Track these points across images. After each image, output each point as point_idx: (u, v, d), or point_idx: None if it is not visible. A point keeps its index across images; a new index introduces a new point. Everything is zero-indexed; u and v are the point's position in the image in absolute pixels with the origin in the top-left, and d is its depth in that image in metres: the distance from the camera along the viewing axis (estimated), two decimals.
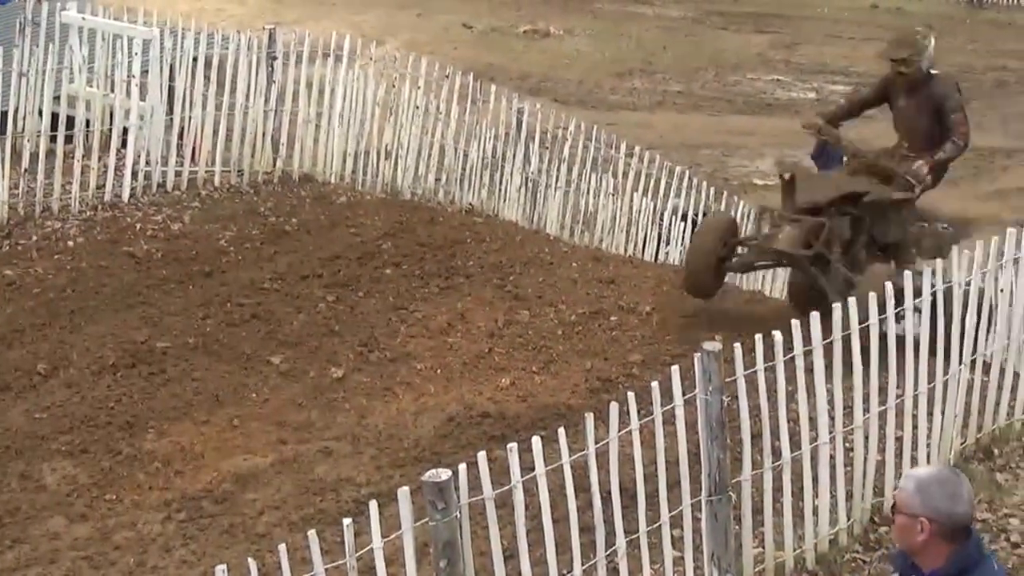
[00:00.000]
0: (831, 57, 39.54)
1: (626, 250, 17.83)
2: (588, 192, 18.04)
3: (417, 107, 16.76)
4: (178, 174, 15.41)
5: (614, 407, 8.36)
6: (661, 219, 18.62)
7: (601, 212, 18.03)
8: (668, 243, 18.46)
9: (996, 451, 10.88)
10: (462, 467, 7.57)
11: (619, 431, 8.35)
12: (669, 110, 34.61)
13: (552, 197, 17.70)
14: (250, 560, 7.21)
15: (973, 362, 10.68)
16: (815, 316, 9.42)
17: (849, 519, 9.66)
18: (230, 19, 32.67)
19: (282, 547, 7.29)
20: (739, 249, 13.20)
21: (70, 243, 14.34)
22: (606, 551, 8.45)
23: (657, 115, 33.44)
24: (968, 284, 10.68)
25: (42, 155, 14.81)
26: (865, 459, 9.82)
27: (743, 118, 34.50)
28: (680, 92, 36.93)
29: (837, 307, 9.58)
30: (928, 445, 10.20)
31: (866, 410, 9.75)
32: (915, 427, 10.09)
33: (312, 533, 7.40)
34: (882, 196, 12.87)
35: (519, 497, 7.93)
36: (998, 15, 43.07)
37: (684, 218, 18.76)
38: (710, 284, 13.03)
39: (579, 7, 45.16)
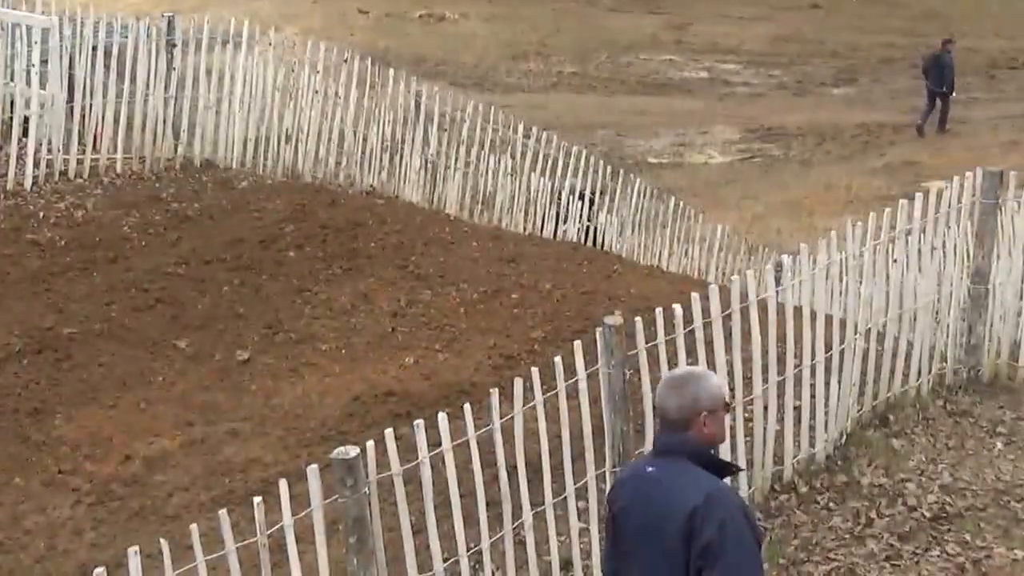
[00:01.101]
0: (722, 37, 39.83)
1: (525, 229, 17.88)
2: (487, 173, 18.09)
3: (316, 92, 16.73)
4: (80, 162, 15.30)
5: (518, 383, 8.38)
6: (559, 198, 18.67)
7: (500, 192, 18.07)
8: (566, 221, 18.52)
9: (891, 417, 10.97)
10: (370, 444, 7.58)
11: (523, 406, 8.38)
12: (564, 91, 34.77)
13: (451, 178, 17.73)
14: (162, 541, 7.18)
15: (868, 331, 10.78)
16: (714, 289, 9.48)
17: (751, 487, 9.72)
18: (128, 7, 32.45)
19: (193, 527, 7.25)
20: None
21: None
22: (513, 524, 8.47)
23: (552, 96, 33.59)
24: (862, 255, 10.78)
25: None
26: (764, 429, 9.89)
27: (637, 98, 34.71)
28: (574, 73, 37.09)
29: (735, 279, 9.64)
30: (825, 413, 10.29)
31: (764, 380, 9.83)
32: (812, 396, 10.18)
33: (223, 513, 7.36)
34: None
35: (426, 473, 7.94)
36: None
37: (581, 197, 18.83)
38: None
39: None
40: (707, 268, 19.41)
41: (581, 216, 18.59)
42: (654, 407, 6.25)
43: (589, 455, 8.66)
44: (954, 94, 32.11)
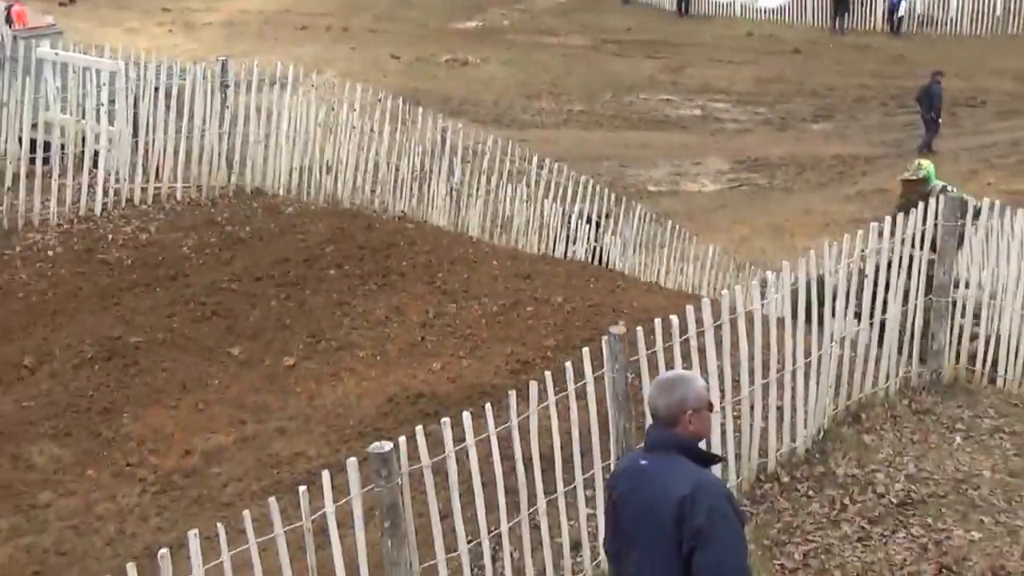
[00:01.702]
0: (713, 79, 39.72)
1: (539, 249, 17.87)
2: (505, 200, 18.08)
3: (353, 128, 16.74)
4: (144, 190, 15.34)
5: (533, 385, 8.43)
6: (569, 222, 18.68)
7: (517, 217, 18.06)
8: (575, 242, 18.52)
9: (863, 415, 10.97)
10: (402, 440, 7.63)
11: (538, 406, 8.41)
12: (573, 127, 34.70)
13: (474, 205, 17.73)
14: (218, 525, 7.23)
15: (843, 339, 10.80)
16: (706, 302, 9.51)
17: (739, 477, 9.75)
18: (186, 53, 32.51)
19: (246, 513, 7.30)
20: None
21: (50, 252, 14.25)
22: (529, 510, 8.51)
23: (563, 132, 33.53)
24: (838, 271, 10.81)
25: (23, 176, 14.71)
26: (751, 425, 9.91)
27: (638, 133, 34.64)
28: (582, 111, 37.02)
29: (725, 294, 9.67)
30: (805, 412, 10.29)
31: (751, 382, 9.85)
32: (793, 396, 10.19)
33: (272, 500, 7.43)
34: None
35: (452, 465, 8.00)
36: (857, 40, 43.41)
37: (588, 221, 18.84)
38: None
39: (494, 38, 45.17)
40: (700, 284, 19.39)
41: (588, 238, 18.60)
42: (649, 406, 6.27)
43: (596, 449, 8.69)
44: (941, 119, 32.19)
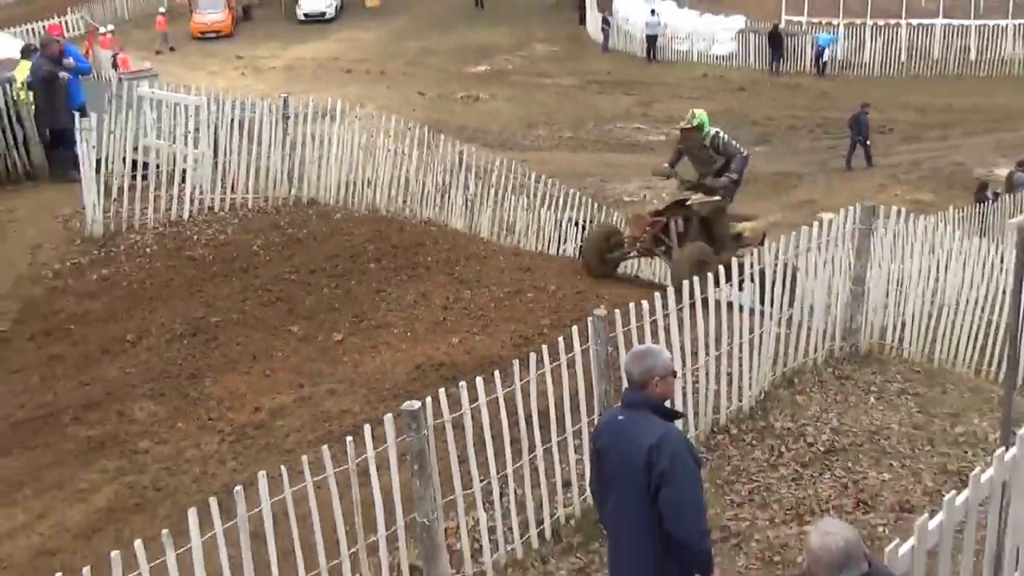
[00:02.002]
0: (675, 111, 39.55)
1: (537, 248, 17.87)
2: (510, 208, 18.07)
3: (389, 150, 16.73)
4: (222, 200, 15.33)
5: (532, 356, 8.45)
6: (560, 226, 18.68)
7: (519, 222, 18.05)
8: (566, 242, 18.51)
9: (796, 380, 10.98)
10: (428, 400, 7.64)
11: (536, 372, 8.43)
12: (563, 150, 34.69)
13: (485, 212, 17.71)
14: (282, 468, 7.23)
15: (779, 320, 10.80)
16: (670, 290, 9.51)
17: (696, 429, 9.76)
18: (255, 91, 32.46)
19: (304, 458, 7.30)
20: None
21: (147, 250, 14.26)
22: (529, 455, 8.52)
23: (555, 154, 33.52)
24: (777, 264, 10.81)
25: (126, 189, 14.71)
26: (706, 389, 9.92)
27: (615, 155, 34.65)
28: (571, 137, 37.04)
29: (686, 283, 9.67)
30: (749, 378, 10.31)
31: (706, 354, 9.84)
32: (740, 366, 10.20)
33: (324, 448, 7.44)
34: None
35: (467, 420, 8.03)
36: (790, 80, 43.39)
37: (576, 225, 18.84)
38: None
39: (500, 79, 45.19)
40: (665, 276, 19.36)
41: (576, 239, 18.59)
42: (624, 373, 6.29)
43: (582, 407, 8.71)
44: (868, 141, 32.24)
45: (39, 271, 13.85)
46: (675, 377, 6.54)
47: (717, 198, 13.53)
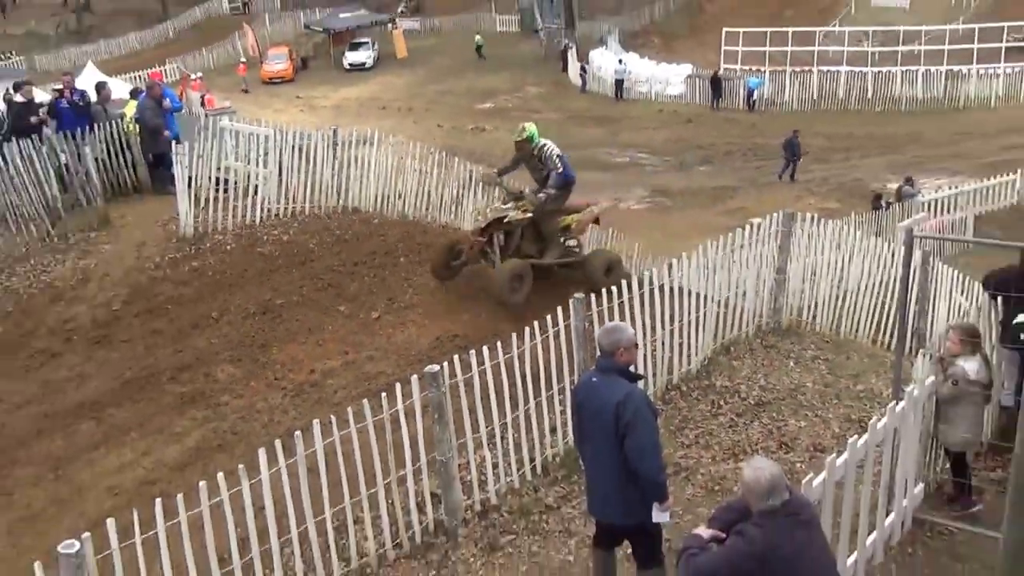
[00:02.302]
0: (638, 139, 39.67)
1: None
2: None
3: (415, 170, 16.67)
4: (285, 209, 15.27)
5: (527, 330, 8.42)
6: None
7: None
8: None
9: (732, 349, 10.97)
10: (445, 364, 7.61)
11: (530, 342, 8.40)
12: None
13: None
14: (332, 417, 7.21)
15: (719, 302, 10.78)
16: (635, 279, 9.48)
17: (654, 388, 9.75)
18: (311, 123, 32.47)
19: (349, 409, 7.29)
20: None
21: (227, 247, 14.22)
22: (524, 407, 8.50)
23: None
24: (716, 258, 10.79)
25: (211, 200, 14.68)
26: (662, 355, 9.90)
27: (592, 173, 34.39)
28: None
29: (646, 273, 9.64)
30: (696, 347, 10.30)
31: (662, 328, 9.81)
32: (689, 336, 10.17)
33: (364, 401, 7.42)
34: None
35: (476, 379, 8.00)
36: (727, 114, 43.23)
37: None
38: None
39: (501, 114, 45.07)
40: (630, 267, 19.32)
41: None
42: (597, 344, 6.26)
43: (565, 370, 8.69)
44: (800, 160, 32.15)
45: (144, 263, 13.84)
46: (637, 347, 6.52)
47: (530, 214, 12.25)
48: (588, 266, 12.39)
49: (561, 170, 12.32)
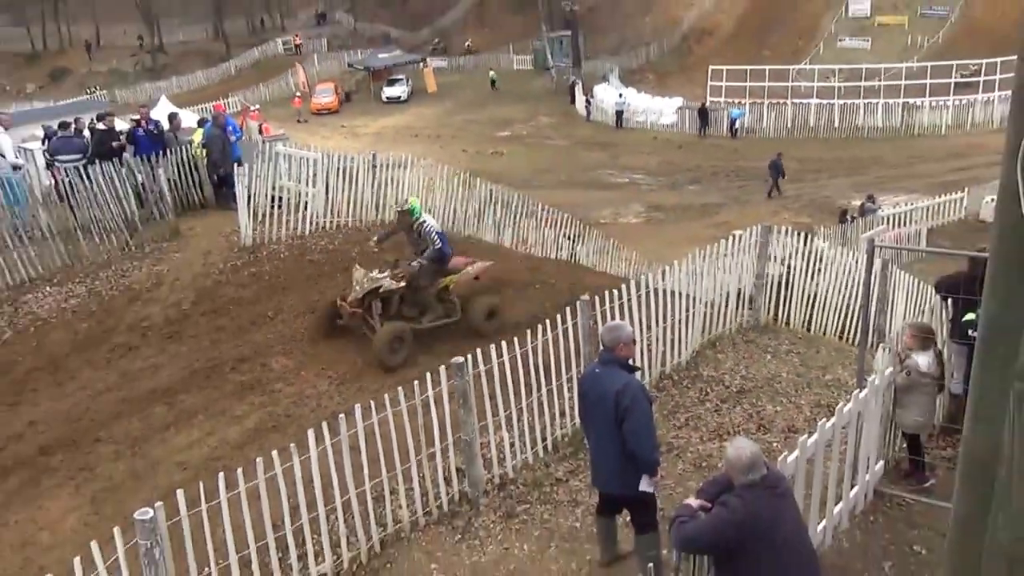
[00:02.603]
0: (635, 162, 39.57)
1: (542, 254, 17.75)
2: (525, 227, 17.98)
3: (442, 189, 16.68)
4: (330, 222, 15.29)
5: (539, 328, 8.39)
6: (558, 239, 18.55)
7: (530, 236, 17.96)
8: (561, 250, 18.36)
9: (717, 343, 10.92)
10: (469, 356, 7.59)
11: (542, 338, 8.38)
12: (560, 188, 34.50)
13: (506, 230, 17.61)
14: (371, 402, 7.21)
15: (706, 303, 10.73)
16: (632, 283, 9.44)
17: (649, 377, 9.70)
18: (353, 148, 32.51)
19: (386, 395, 7.28)
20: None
21: (281, 255, 14.24)
22: (536, 394, 8.48)
23: (555, 191, 33.31)
24: (703, 265, 10.74)
25: (267, 214, 14.70)
26: (657, 349, 9.86)
27: (595, 192, 34.44)
28: (565, 180, 36.84)
29: (642, 278, 9.60)
30: (686, 341, 10.24)
31: (657, 325, 9.78)
32: (680, 332, 10.13)
33: (399, 388, 7.40)
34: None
35: (495, 370, 7.96)
36: (712, 141, 43.12)
37: (569, 239, 18.71)
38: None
39: (517, 140, 45.11)
40: (629, 272, 19.30)
41: (569, 248, 18.50)
42: (600, 340, 6.24)
43: (573, 362, 8.64)
44: (784, 177, 32.06)
45: (209, 269, 13.87)
46: (635, 343, 6.51)
47: (403, 284, 11.38)
48: (471, 315, 11.66)
49: (439, 246, 11.40)
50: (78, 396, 10.97)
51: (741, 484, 4.82)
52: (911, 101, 42.47)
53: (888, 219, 25.15)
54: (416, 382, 7.43)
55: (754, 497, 4.76)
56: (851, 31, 54.05)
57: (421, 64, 60.74)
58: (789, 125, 43.00)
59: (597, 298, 9.04)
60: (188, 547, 6.12)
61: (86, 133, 16.82)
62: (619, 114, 46.93)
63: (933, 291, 9.33)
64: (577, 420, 7.77)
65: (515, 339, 8.25)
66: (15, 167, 15.83)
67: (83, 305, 13.02)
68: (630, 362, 6.19)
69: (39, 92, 62.78)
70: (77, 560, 5.63)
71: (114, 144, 16.05)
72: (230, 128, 16.89)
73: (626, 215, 31.16)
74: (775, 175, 32.04)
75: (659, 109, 46.65)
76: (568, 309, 8.68)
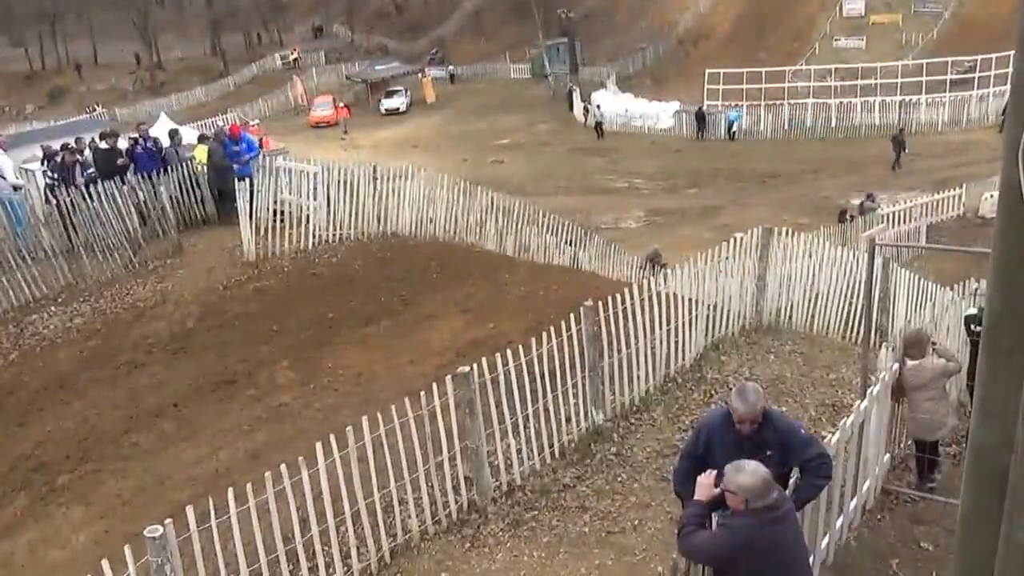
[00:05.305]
0: (634, 167, 39.60)
1: (544, 261, 17.76)
2: (527, 234, 17.99)
3: (444, 199, 16.69)
4: (333, 235, 15.32)
5: (545, 335, 8.39)
6: (559, 245, 18.57)
7: (532, 243, 17.97)
8: (563, 256, 18.39)
9: (720, 345, 10.89)
10: (475, 365, 7.59)
11: (547, 344, 8.37)
12: (561, 195, 34.55)
13: (508, 237, 17.63)
14: (378, 414, 7.21)
15: (709, 306, 10.71)
16: (635, 287, 9.44)
17: (652, 380, 9.69)
18: (354, 161, 32.54)
19: (392, 407, 7.28)
20: None
21: (285, 269, 14.28)
22: (543, 399, 8.47)
23: (555, 197, 33.37)
24: (705, 267, 10.75)
25: (270, 228, 14.74)
26: (661, 351, 9.85)
27: (595, 197, 34.49)
28: (565, 186, 36.89)
29: (644, 282, 9.60)
30: (690, 343, 10.24)
31: (659, 328, 9.77)
32: (683, 335, 10.12)
33: (406, 399, 7.41)
34: None
35: (501, 377, 7.96)
36: (710, 144, 43.19)
37: (570, 244, 18.73)
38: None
39: (516, 148, 45.18)
40: (631, 276, 19.32)
41: (571, 254, 18.49)
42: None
43: (578, 364, 8.64)
44: (907, 151, 32.47)
45: (214, 284, 13.90)
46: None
47: None
48: None
49: None
50: (86, 414, 10.99)
51: (752, 508, 4.89)
52: (907, 99, 42.47)
53: (888, 217, 25.13)
54: (423, 393, 7.44)
55: (759, 522, 4.85)
56: (846, 31, 54.10)
57: (420, 74, 60.86)
58: (786, 126, 43.03)
59: (600, 303, 9.03)
60: (199, 564, 6.12)
61: (87, 152, 16.84)
62: (599, 125, 46.63)
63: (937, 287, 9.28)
64: (584, 424, 7.75)
65: (519, 346, 8.25)
66: (15, 187, 15.87)
67: (88, 324, 13.05)
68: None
69: (38, 112, 63.03)
70: None
71: (120, 161, 16.10)
72: (244, 146, 16.88)
73: (626, 219, 31.18)
74: (898, 149, 32.16)
75: (656, 114, 46.71)
76: (572, 314, 8.67)
